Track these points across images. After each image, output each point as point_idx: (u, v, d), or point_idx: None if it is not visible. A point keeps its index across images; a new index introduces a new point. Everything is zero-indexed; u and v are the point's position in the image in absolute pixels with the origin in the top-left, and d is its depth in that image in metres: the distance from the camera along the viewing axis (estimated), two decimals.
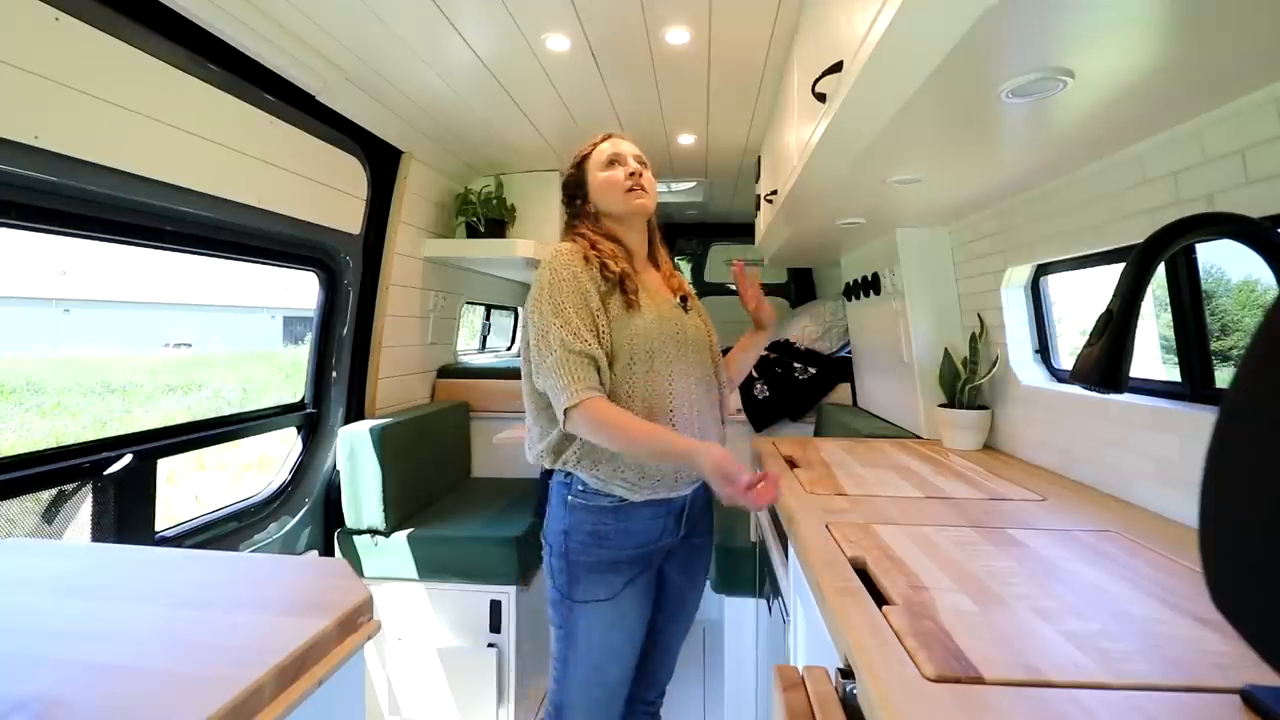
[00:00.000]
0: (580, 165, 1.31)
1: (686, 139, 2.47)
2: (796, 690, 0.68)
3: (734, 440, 2.57)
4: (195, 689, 0.61)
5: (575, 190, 1.31)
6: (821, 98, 1.14)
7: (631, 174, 1.25)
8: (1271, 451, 0.35)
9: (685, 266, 4.07)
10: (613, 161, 1.27)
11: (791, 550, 1.10)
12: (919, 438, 1.83)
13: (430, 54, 1.67)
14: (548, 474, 1.24)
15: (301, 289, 2.07)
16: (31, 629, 0.74)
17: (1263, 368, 0.36)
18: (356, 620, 0.79)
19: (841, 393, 2.62)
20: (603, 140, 1.32)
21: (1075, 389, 1.30)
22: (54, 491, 1.28)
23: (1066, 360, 1.50)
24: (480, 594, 1.89)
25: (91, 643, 0.70)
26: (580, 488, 1.17)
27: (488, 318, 3.86)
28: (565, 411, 1.08)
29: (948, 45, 0.74)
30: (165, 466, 1.54)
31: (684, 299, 1.31)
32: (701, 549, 1.35)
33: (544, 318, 1.13)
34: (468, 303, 3.03)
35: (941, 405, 1.68)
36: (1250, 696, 0.50)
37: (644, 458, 1.12)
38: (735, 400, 2.61)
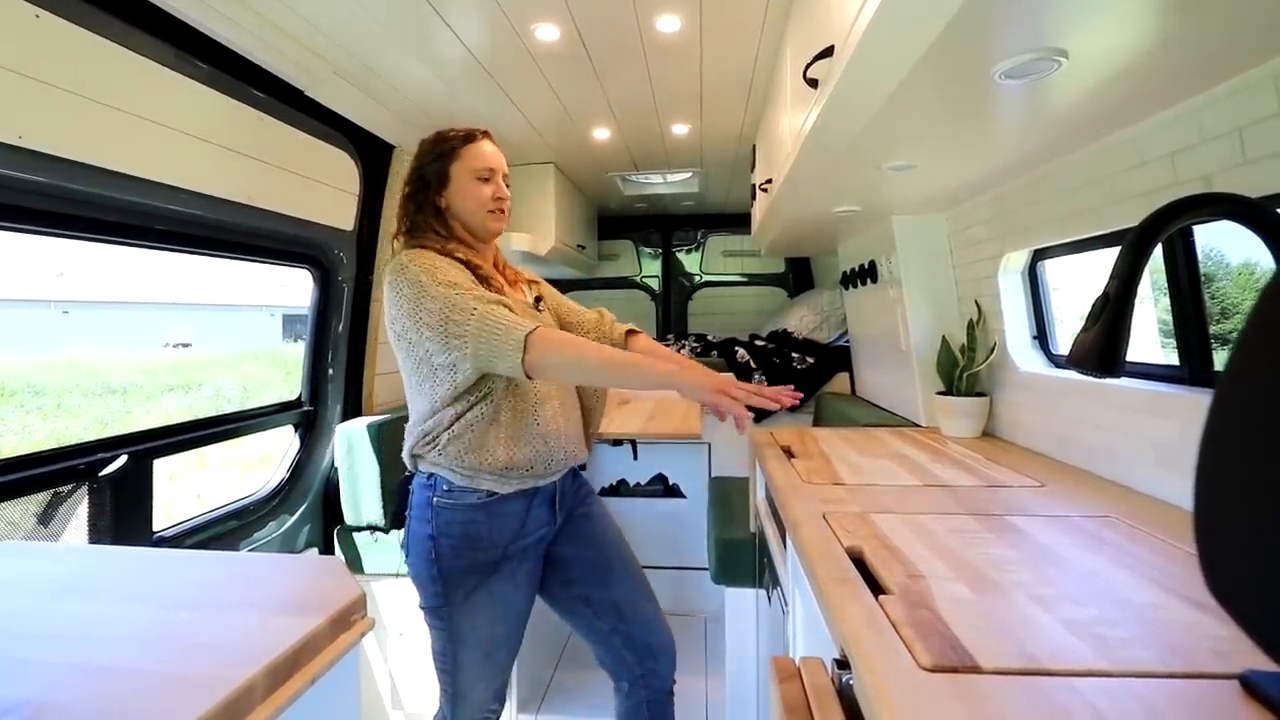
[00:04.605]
0: (447, 156, 1.20)
1: (680, 128, 2.45)
2: (792, 681, 0.68)
3: (732, 431, 2.58)
4: (187, 690, 0.60)
5: (435, 179, 1.20)
6: (814, 83, 1.13)
7: (498, 198, 1.20)
8: (1264, 433, 0.34)
9: (685, 258, 4.05)
10: (485, 178, 1.20)
11: (789, 541, 1.10)
12: (918, 426, 1.82)
13: (418, 46, 1.66)
14: (407, 480, 1.22)
15: (299, 286, 2.05)
16: (25, 632, 0.73)
17: (1255, 349, 0.35)
18: (350, 618, 0.79)
19: (840, 382, 2.62)
20: (478, 140, 1.22)
21: (1073, 374, 1.29)
22: (49, 494, 1.28)
23: (1065, 345, 1.49)
24: None
25: (84, 645, 0.70)
26: (445, 488, 1.13)
27: None
28: (524, 342, 1.00)
29: (938, 26, 0.73)
30: (166, 466, 1.54)
31: (538, 299, 1.29)
32: (585, 517, 1.30)
33: (441, 300, 1.05)
34: None
35: (940, 393, 1.67)
36: (1249, 682, 0.49)
37: (617, 380, 1.05)
38: None
